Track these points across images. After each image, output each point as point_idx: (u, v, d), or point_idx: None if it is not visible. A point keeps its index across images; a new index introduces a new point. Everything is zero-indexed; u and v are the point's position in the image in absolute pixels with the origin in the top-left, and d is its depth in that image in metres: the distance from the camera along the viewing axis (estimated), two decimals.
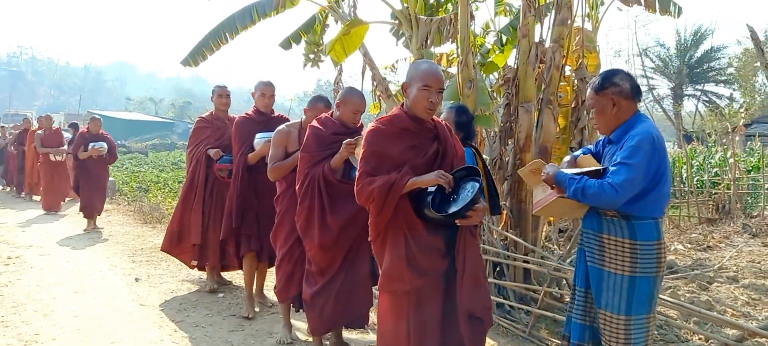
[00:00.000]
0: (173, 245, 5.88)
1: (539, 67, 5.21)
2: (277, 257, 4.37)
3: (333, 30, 9.05)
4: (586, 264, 3.09)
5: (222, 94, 5.71)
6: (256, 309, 5.15)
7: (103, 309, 5.18)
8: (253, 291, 5.21)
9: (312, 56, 8.96)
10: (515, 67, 5.29)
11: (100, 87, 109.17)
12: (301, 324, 4.67)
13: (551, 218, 6.34)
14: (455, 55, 7.77)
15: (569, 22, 5.56)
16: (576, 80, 5.95)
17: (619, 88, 2.96)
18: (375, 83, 8.04)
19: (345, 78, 9.20)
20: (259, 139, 4.79)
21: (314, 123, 3.93)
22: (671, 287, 5.84)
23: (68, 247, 7.93)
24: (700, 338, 4.52)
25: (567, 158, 3.29)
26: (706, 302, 5.40)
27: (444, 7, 7.02)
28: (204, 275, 6.01)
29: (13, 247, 7.69)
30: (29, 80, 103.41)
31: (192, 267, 5.93)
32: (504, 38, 6.99)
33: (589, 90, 3.13)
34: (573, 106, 5.90)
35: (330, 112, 4.01)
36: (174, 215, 5.95)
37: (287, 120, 4.79)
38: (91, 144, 9.30)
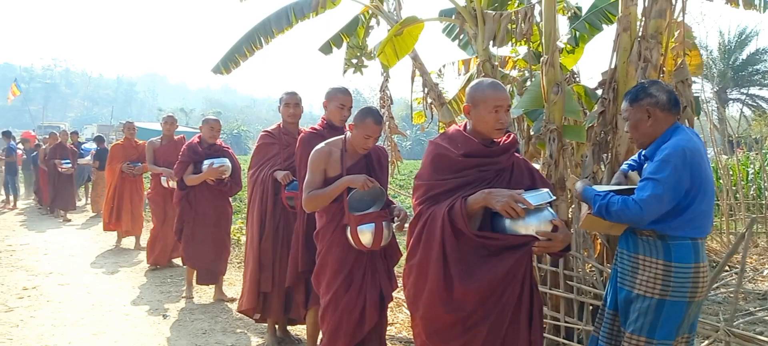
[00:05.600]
0: (258, 303, 4.60)
1: (641, 67, 4.31)
2: (321, 305, 3.56)
3: (376, 32, 8.27)
4: (616, 285, 2.96)
5: (289, 103, 4.63)
6: None
7: None
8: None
9: (354, 61, 8.15)
10: (612, 66, 4.40)
11: (132, 98, 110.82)
12: None
13: None
14: (518, 56, 6.90)
15: (668, 14, 4.67)
16: (675, 82, 5.03)
17: (655, 99, 2.84)
18: (426, 90, 7.21)
19: (390, 85, 8.42)
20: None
21: (437, 139, 2.80)
22: None
23: (91, 273, 7.23)
24: None
25: (617, 175, 3.18)
26: None
27: (512, 0, 6.16)
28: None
29: (32, 275, 7.01)
30: (63, 92, 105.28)
31: (256, 321, 4.80)
32: (577, 35, 6.08)
33: (623, 102, 2.98)
34: None
35: (462, 125, 2.81)
36: (248, 265, 4.66)
37: None
38: (206, 162, 5.76)
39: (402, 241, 3.58)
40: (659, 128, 2.84)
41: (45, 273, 7.12)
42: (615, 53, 4.40)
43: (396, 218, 3.45)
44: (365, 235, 3.31)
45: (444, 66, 8.36)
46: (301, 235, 3.98)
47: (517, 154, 2.78)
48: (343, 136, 3.62)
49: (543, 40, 4.53)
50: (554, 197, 2.64)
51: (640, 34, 4.35)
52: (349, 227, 3.38)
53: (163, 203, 7.36)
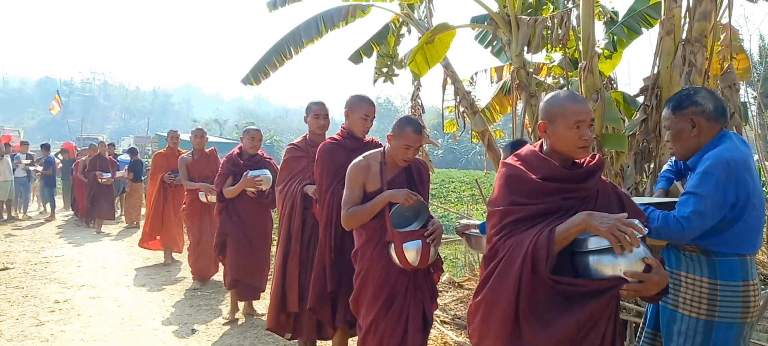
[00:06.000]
0: (282, 321, 4.44)
1: (686, 72, 4.09)
2: (360, 328, 3.39)
3: (407, 40, 8.14)
4: (657, 303, 2.76)
5: (319, 114, 4.47)
6: None
7: None
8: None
9: (385, 70, 8.03)
10: (655, 72, 4.19)
11: (168, 110, 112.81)
12: None
13: None
14: (553, 62, 6.71)
15: (712, 16, 4.44)
16: (722, 87, 4.79)
17: (700, 108, 2.62)
18: (458, 98, 7.06)
19: (421, 93, 8.29)
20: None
21: (510, 160, 2.40)
22: None
23: (122, 286, 7.22)
24: None
25: (657, 188, 3.01)
26: None
27: (547, 5, 5.97)
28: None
29: (64, 287, 7.03)
30: (101, 105, 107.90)
31: (288, 339, 4.59)
32: (615, 39, 5.86)
33: (665, 109, 2.78)
34: None
35: (538, 144, 2.43)
36: (275, 281, 4.42)
37: (380, 145, 3.74)
38: (244, 173, 5.55)
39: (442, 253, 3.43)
40: (703, 139, 2.63)
41: (77, 286, 7.13)
42: (657, 58, 4.19)
43: (426, 235, 3.18)
44: (411, 253, 3.14)
45: (476, 74, 8.19)
46: (327, 253, 3.79)
47: (603, 177, 2.41)
48: (381, 148, 3.46)
49: (580, 46, 4.35)
50: (648, 229, 2.19)
51: (684, 37, 4.13)
52: (392, 245, 3.19)
53: (200, 220, 7.15)
